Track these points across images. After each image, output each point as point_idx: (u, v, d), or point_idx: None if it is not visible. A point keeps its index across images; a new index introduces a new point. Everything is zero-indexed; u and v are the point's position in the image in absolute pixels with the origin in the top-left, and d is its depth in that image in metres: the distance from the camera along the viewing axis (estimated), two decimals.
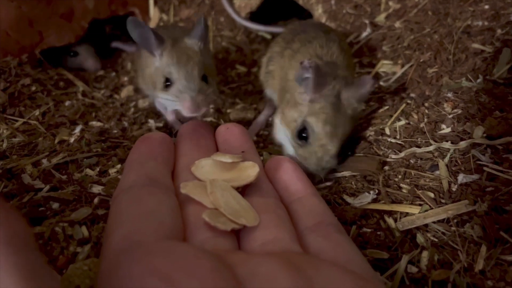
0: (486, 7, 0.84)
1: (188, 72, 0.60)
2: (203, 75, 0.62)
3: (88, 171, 0.63)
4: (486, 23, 0.80)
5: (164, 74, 0.62)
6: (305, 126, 0.61)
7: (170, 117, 0.72)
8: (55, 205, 0.55)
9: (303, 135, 0.61)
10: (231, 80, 0.97)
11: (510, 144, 0.57)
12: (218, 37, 1.15)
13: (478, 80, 0.69)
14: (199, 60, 0.62)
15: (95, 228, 0.52)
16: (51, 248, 0.49)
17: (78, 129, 0.74)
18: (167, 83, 0.61)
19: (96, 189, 0.59)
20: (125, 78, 0.98)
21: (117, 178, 0.61)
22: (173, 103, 0.62)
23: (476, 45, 0.76)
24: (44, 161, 0.65)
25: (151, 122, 0.80)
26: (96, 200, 0.56)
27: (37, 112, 0.78)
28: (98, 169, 0.64)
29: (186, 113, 0.59)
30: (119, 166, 0.65)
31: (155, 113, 0.82)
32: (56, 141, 0.70)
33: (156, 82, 0.64)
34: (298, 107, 0.62)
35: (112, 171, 0.64)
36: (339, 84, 0.62)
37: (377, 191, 0.58)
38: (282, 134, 0.67)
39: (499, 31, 0.77)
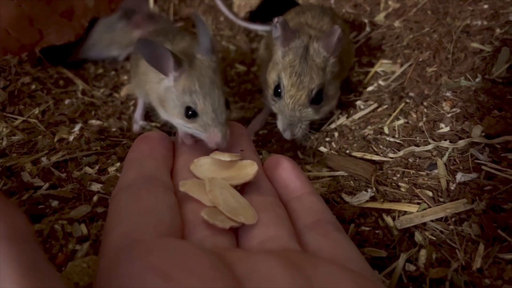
0: (485, 6, 0.84)
1: (214, 102, 0.52)
2: (226, 99, 0.54)
3: (88, 169, 0.63)
4: (485, 22, 0.80)
5: (184, 102, 0.52)
6: (279, 82, 0.67)
7: (181, 134, 0.58)
8: (54, 203, 0.55)
9: (278, 90, 0.67)
10: (231, 79, 0.97)
11: (509, 143, 0.57)
12: (218, 36, 1.15)
13: (477, 79, 0.69)
14: (221, 83, 0.54)
15: (94, 226, 0.52)
16: (50, 246, 0.49)
17: (77, 128, 0.74)
18: (190, 113, 0.52)
19: (95, 187, 0.59)
20: (125, 77, 0.98)
21: (116, 176, 0.61)
22: (195, 132, 0.53)
23: (475, 45, 0.76)
24: (44, 159, 0.65)
25: (151, 121, 0.80)
26: (95, 198, 0.56)
27: (36, 111, 0.78)
28: (97, 167, 0.64)
29: (211, 145, 0.52)
30: (118, 164, 0.65)
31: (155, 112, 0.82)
32: (55, 139, 0.70)
33: (166, 103, 0.55)
34: (275, 67, 0.69)
35: (111, 169, 0.64)
36: (307, 38, 0.68)
37: (374, 189, 0.58)
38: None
39: (498, 30, 0.77)
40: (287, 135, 0.68)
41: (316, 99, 0.67)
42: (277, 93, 0.68)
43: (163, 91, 0.56)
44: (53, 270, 0.29)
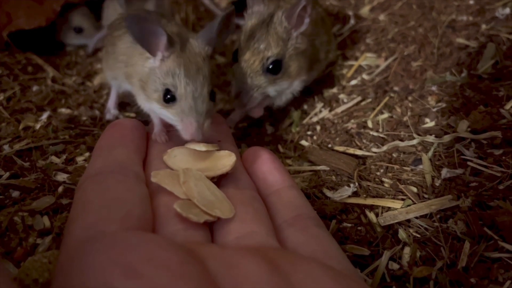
0: (471, 2, 0.83)
1: (197, 89, 0.48)
2: (211, 90, 0.51)
3: (54, 159, 0.60)
4: (470, 18, 0.80)
5: (165, 83, 0.49)
6: (238, 46, 0.64)
7: (156, 122, 0.55)
8: (15, 194, 0.52)
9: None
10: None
11: (495, 139, 0.56)
12: (198, 26, 1.12)
13: (463, 75, 0.68)
14: (209, 72, 0.51)
15: (58, 218, 0.49)
16: (9, 239, 0.47)
17: (45, 116, 0.70)
18: (168, 96, 0.49)
19: (61, 177, 0.56)
20: (99, 65, 0.94)
21: (85, 166, 0.58)
22: (171, 119, 0.50)
23: (461, 40, 0.75)
24: (6, 147, 0.61)
25: (125, 111, 0.76)
26: (60, 189, 0.53)
27: (1, 97, 0.73)
28: (64, 156, 0.61)
29: (186, 136, 0.48)
30: (87, 154, 0.61)
31: (130, 101, 0.78)
32: (20, 127, 0.66)
33: (148, 86, 0.51)
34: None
35: (79, 159, 0.60)
36: (275, 7, 0.65)
37: (357, 184, 0.56)
38: None
39: (483, 26, 0.77)
40: (236, 103, 0.65)
41: (272, 69, 0.63)
42: (236, 58, 0.64)
43: (147, 72, 0.51)
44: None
